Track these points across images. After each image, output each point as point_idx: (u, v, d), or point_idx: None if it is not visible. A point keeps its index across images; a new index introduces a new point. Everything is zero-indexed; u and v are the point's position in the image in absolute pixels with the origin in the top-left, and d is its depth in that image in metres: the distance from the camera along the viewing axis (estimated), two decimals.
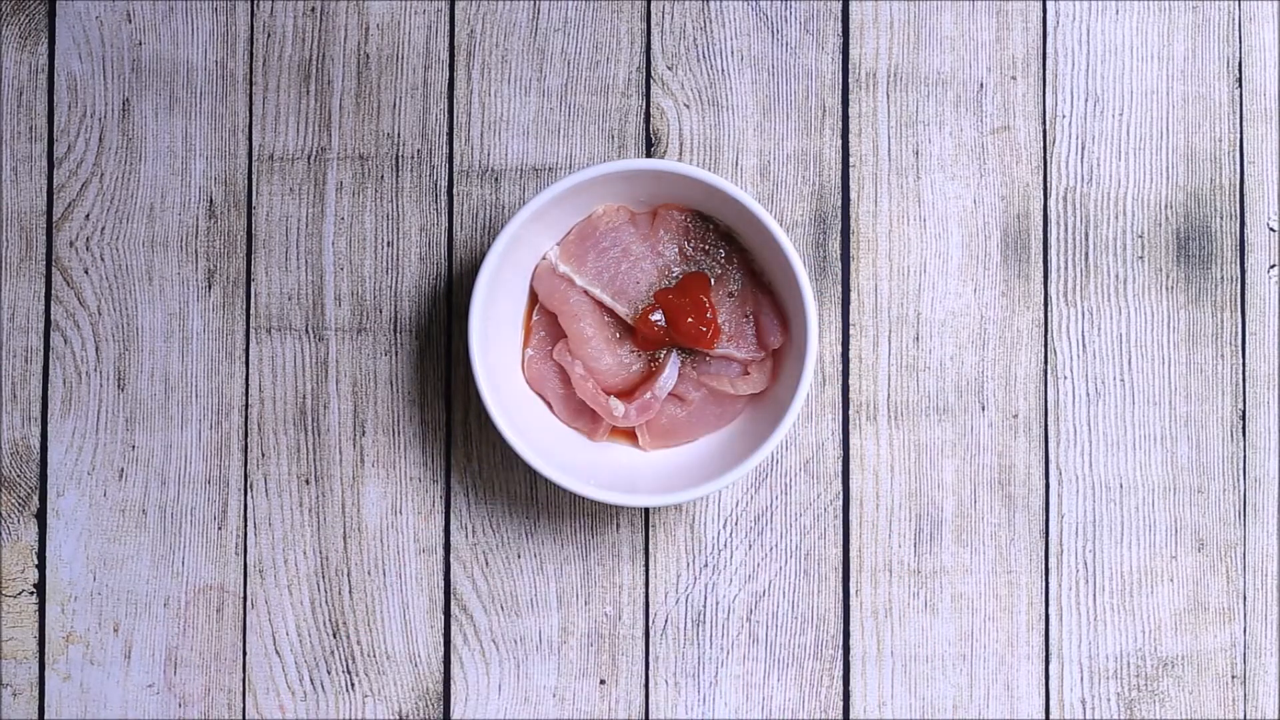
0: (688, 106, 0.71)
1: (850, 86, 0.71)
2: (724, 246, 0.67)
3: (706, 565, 0.70)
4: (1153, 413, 0.70)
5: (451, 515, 0.70)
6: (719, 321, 0.66)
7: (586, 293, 0.67)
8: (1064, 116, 0.70)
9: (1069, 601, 0.69)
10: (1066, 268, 0.70)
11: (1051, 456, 0.70)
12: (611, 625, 0.70)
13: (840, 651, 0.70)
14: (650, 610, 0.70)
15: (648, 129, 0.71)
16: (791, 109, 0.71)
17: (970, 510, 0.70)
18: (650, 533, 0.70)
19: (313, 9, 0.71)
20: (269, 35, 0.71)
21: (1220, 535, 0.70)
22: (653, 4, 0.71)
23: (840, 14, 0.71)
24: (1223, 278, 0.70)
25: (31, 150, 0.71)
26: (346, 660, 0.70)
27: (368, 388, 0.71)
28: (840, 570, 0.70)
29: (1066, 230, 0.70)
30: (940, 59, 0.70)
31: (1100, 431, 0.70)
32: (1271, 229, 0.70)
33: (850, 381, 0.70)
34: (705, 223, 0.67)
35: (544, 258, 0.67)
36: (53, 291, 0.71)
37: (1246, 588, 0.70)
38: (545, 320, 0.68)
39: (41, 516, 0.71)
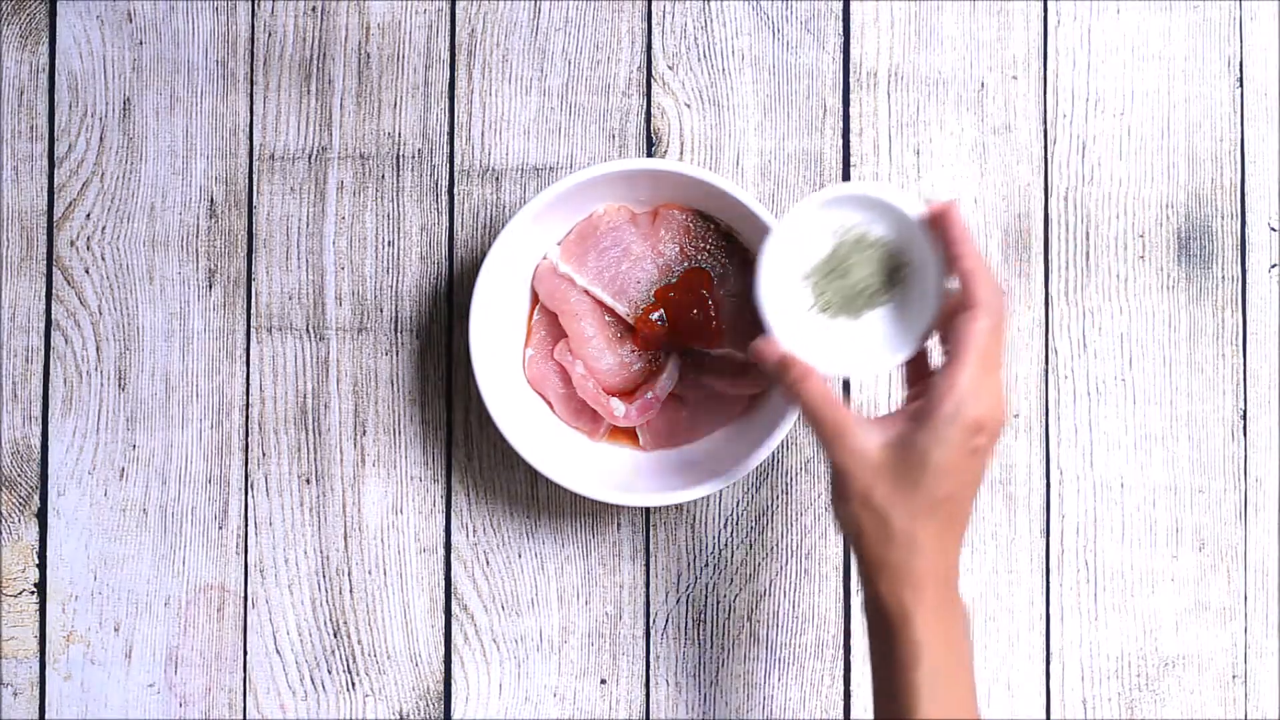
0: (688, 106, 0.71)
1: (851, 86, 0.71)
2: (725, 246, 0.67)
3: (707, 565, 0.70)
4: (1153, 412, 0.70)
5: (452, 515, 0.70)
6: (720, 320, 0.66)
7: (587, 292, 0.67)
8: (1064, 116, 0.70)
9: (1070, 601, 0.69)
10: (1067, 267, 0.70)
11: (1052, 456, 0.70)
12: (612, 625, 0.70)
13: (841, 651, 0.70)
14: (651, 610, 0.70)
15: (648, 129, 0.71)
16: (792, 108, 0.71)
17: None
18: (651, 532, 0.70)
19: (313, 8, 0.71)
20: (270, 35, 0.71)
21: (1221, 535, 0.70)
22: (653, 4, 0.71)
23: (841, 13, 0.71)
24: (1224, 277, 0.70)
25: (32, 150, 0.71)
26: (347, 660, 0.70)
27: (368, 387, 0.71)
28: (841, 570, 0.70)
29: (1067, 230, 0.70)
30: (941, 59, 0.70)
31: (1101, 431, 0.70)
32: (1272, 228, 0.70)
33: (851, 380, 0.70)
34: (706, 222, 0.67)
35: (545, 257, 0.67)
36: (53, 291, 0.71)
37: (1247, 587, 0.70)
38: (546, 320, 0.68)
39: (42, 516, 0.71)
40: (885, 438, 0.52)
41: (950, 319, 0.52)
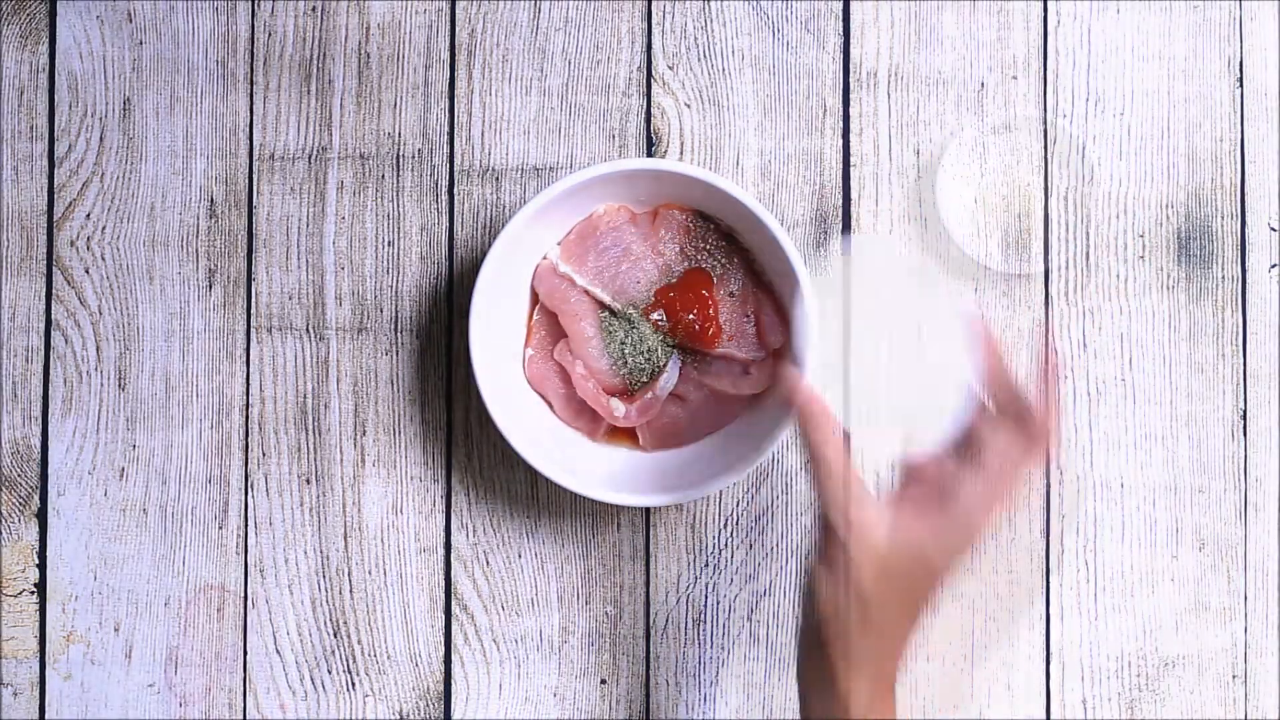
0: (688, 106, 0.70)
1: (851, 86, 0.71)
2: (725, 246, 0.67)
3: (707, 565, 0.70)
4: (1154, 412, 0.70)
5: (452, 515, 0.70)
6: (720, 320, 0.66)
7: (587, 292, 0.67)
8: (1064, 116, 0.70)
9: (1070, 601, 0.69)
10: (1067, 267, 0.70)
11: (1052, 456, 0.70)
12: (612, 625, 0.70)
13: None
14: (651, 610, 0.70)
15: (648, 128, 0.71)
16: (792, 108, 0.70)
17: None
18: (651, 532, 0.70)
19: (313, 8, 0.71)
20: (270, 35, 0.71)
21: (1221, 535, 0.70)
22: (653, 3, 0.71)
23: (841, 13, 0.71)
24: (1224, 277, 0.70)
25: (32, 150, 0.71)
26: (347, 660, 0.70)
27: (368, 387, 0.71)
28: None
29: (1067, 230, 0.70)
30: (941, 58, 0.70)
31: (1101, 431, 0.70)
32: (1272, 228, 0.70)
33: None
34: (706, 222, 0.67)
35: (545, 257, 0.67)
36: (53, 291, 0.71)
37: (1247, 587, 0.70)
38: (546, 320, 0.68)
39: (42, 516, 0.71)
40: (893, 529, 0.51)
41: (985, 428, 0.53)
